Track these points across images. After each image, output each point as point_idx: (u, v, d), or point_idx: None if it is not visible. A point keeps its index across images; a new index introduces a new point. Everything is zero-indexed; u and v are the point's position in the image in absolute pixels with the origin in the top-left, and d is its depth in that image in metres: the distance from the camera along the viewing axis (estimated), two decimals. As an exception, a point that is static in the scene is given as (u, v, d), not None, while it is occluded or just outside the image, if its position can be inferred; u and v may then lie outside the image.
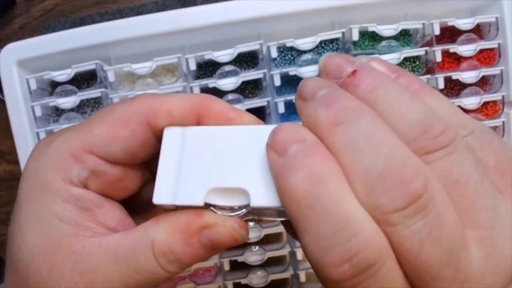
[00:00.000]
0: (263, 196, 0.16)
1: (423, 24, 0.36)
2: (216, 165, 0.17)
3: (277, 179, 0.14)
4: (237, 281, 0.38)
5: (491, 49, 0.37)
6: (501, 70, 0.36)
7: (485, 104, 0.37)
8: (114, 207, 0.19)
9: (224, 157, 0.17)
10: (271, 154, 0.15)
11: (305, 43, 0.36)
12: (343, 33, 0.35)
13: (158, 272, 0.17)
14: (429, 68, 0.36)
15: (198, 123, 0.18)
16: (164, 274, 0.17)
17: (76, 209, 0.18)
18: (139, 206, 0.22)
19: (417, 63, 0.37)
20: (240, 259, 0.38)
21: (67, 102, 0.36)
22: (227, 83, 0.35)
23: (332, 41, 0.37)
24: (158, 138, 0.18)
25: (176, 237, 0.17)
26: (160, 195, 0.17)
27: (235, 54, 0.35)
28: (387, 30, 0.36)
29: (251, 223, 0.36)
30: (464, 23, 0.36)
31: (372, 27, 0.35)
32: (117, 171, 0.19)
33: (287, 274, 0.38)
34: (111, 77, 0.36)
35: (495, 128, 0.37)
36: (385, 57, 0.36)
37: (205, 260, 0.18)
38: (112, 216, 0.19)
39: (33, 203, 0.18)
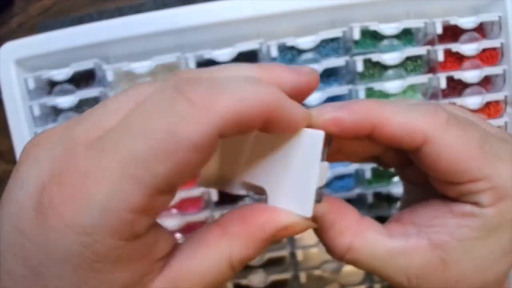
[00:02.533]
0: (279, 201, 0.19)
1: (425, 22, 0.35)
2: (247, 161, 0.20)
3: None
4: (237, 281, 0.38)
5: (494, 49, 0.36)
6: (504, 70, 0.35)
7: (488, 104, 0.36)
8: (161, 233, 0.17)
9: (255, 154, 0.20)
10: None
11: (306, 42, 0.35)
12: (344, 32, 0.35)
13: (233, 276, 0.18)
14: (431, 67, 0.36)
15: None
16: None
17: (142, 260, 0.16)
18: None
19: (419, 62, 0.36)
20: (240, 259, 0.38)
21: (65, 101, 0.35)
22: (227, 82, 0.35)
23: (333, 40, 0.36)
24: None
25: (253, 247, 0.18)
26: (204, 181, 0.21)
27: (235, 53, 0.35)
28: (389, 29, 0.35)
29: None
30: (467, 22, 0.35)
31: (373, 26, 0.35)
32: None
33: (287, 275, 0.38)
34: (109, 76, 0.35)
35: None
36: (386, 56, 0.35)
37: None
38: (164, 244, 0.17)
39: (92, 285, 0.15)
